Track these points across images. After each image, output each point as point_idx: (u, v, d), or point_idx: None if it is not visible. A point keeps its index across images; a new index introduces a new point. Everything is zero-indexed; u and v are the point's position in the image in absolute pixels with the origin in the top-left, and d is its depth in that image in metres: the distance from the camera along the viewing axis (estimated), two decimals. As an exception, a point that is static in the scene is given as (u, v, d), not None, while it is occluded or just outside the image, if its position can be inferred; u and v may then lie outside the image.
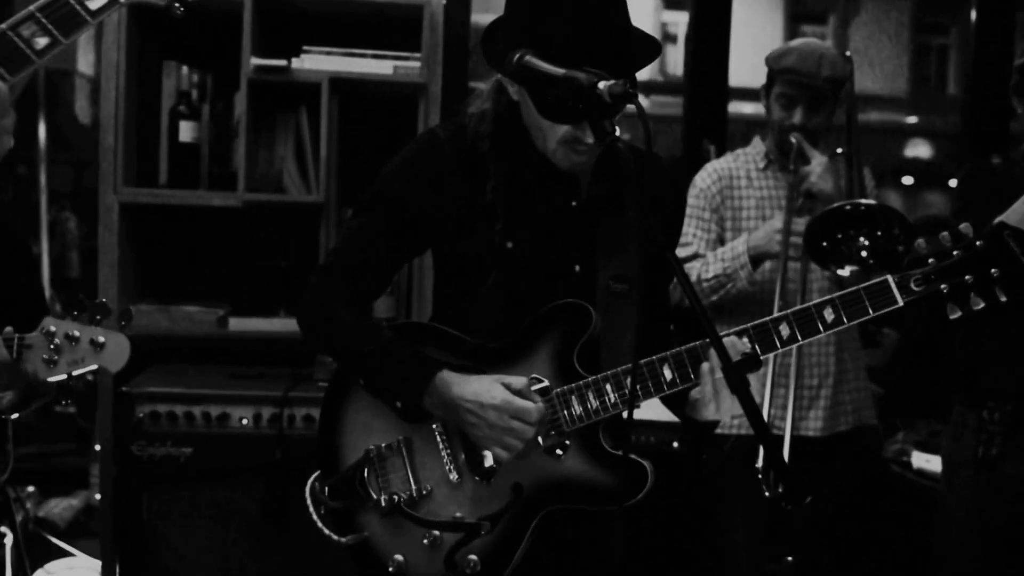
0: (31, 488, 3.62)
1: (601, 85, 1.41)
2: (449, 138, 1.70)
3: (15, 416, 2.36)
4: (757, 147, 2.74)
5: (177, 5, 1.15)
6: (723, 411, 1.59)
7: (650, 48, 1.62)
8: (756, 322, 1.61)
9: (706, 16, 3.88)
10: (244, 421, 2.67)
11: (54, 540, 3.35)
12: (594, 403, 1.63)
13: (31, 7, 1.06)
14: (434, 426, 1.69)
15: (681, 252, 2.63)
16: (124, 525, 2.74)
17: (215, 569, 2.69)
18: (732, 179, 2.69)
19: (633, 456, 1.62)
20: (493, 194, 1.67)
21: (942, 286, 1.56)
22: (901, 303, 1.57)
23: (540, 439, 1.65)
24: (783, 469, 1.45)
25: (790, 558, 2.30)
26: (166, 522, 2.67)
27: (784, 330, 1.60)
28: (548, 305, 1.67)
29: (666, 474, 2.89)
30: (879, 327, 4.04)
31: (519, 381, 1.62)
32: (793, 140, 2.59)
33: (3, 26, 1.06)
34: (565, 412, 1.64)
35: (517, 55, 1.51)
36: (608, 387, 1.62)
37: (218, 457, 2.65)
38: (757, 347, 1.59)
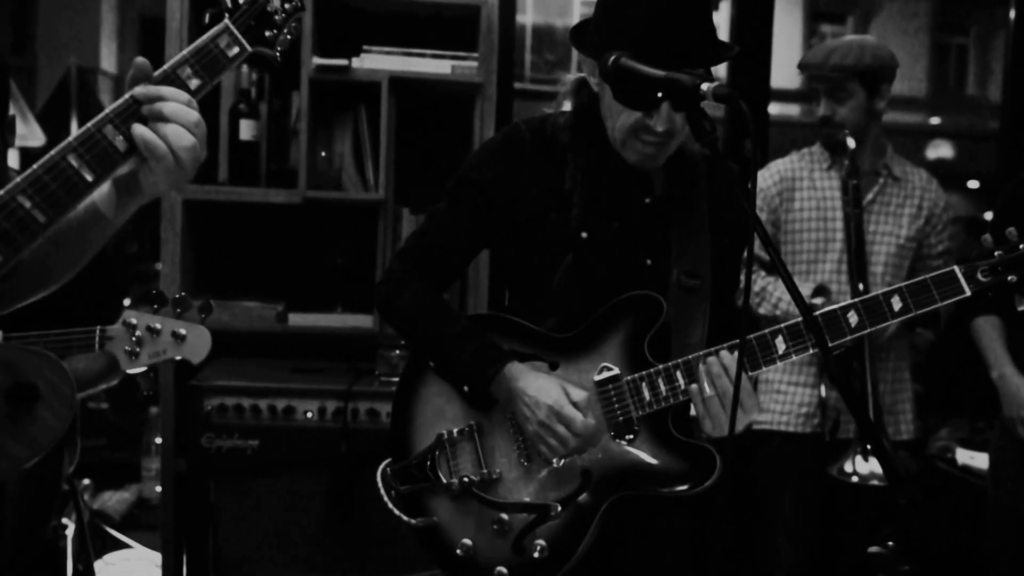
0: (87, 481, 3.67)
1: (704, 86, 1.42)
2: (531, 130, 1.77)
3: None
4: (820, 146, 2.73)
5: (277, 55, 1.32)
6: (717, 429, 1.61)
7: (728, 47, 1.66)
8: (826, 309, 1.63)
9: (749, 16, 3.90)
10: (309, 415, 2.71)
11: (112, 532, 3.40)
12: (664, 390, 1.66)
13: (184, 52, 1.22)
14: (506, 413, 1.73)
15: None
16: (189, 516, 2.78)
17: (280, 560, 2.73)
18: (794, 180, 2.69)
19: (702, 443, 1.65)
20: (571, 182, 1.73)
21: (1010, 277, 1.58)
22: (968, 292, 1.59)
23: (610, 426, 1.68)
24: (887, 459, 1.47)
25: (891, 543, 2.32)
26: (232, 513, 2.71)
27: (852, 318, 1.61)
28: (620, 296, 1.71)
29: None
30: (913, 327, 4.06)
31: (579, 394, 1.66)
32: (823, 134, 2.63)
33: (166, 68, 1.21)
34: (635, 398, 1.68)
35: (613, 57, 1.54)
36: (679, 374, 1.66)
37: (284, 450, 2.69)
38: (827, 335, 1.60)
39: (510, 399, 1.69)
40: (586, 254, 1.73)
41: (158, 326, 2.07)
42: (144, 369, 2.10)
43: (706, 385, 1.61)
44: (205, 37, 1.24)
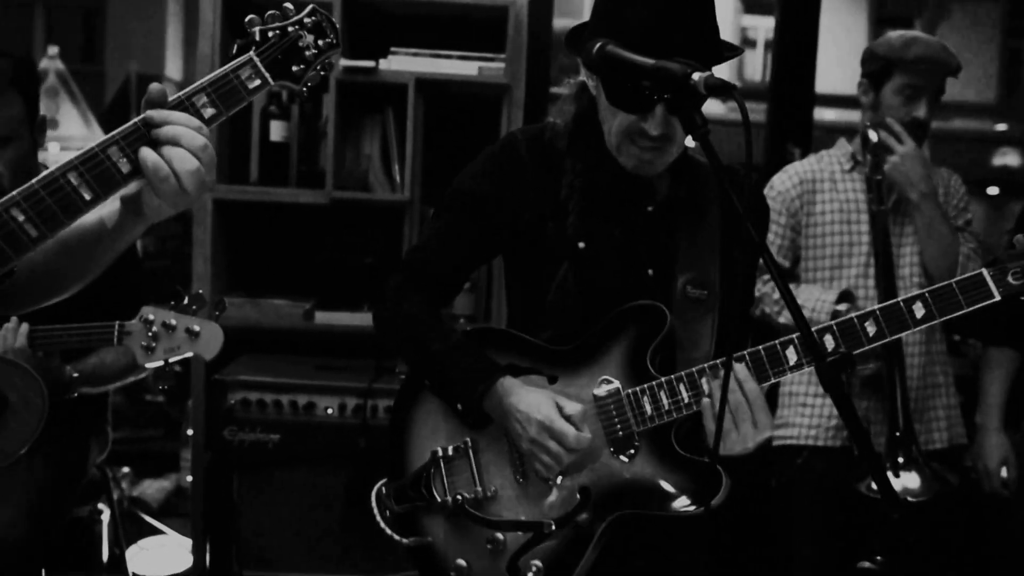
0: (126, 469, 3.79)
1: (695, 76, 1.34)
2: (527, 139, 1.72)
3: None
4: (842, 148, 2.64)
5: (304, 90, 1.32)
6: (728, 445, 1.52)
7: (731, 47, 1.61)
8: (841, 319, 1.55)
9: (792, 19, 3.84)
10: (329, 411, 2.76)
11: (147, 518, 3.50)
12: (666, 404, 1.58)
13: (202, 81, 1.23)
14: (502, 429, 1.66)
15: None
16: (214, 506, 2.85)
17: (298, 551, 2.79)
18: (814, 183, 2.59)
19: (707, 460, 1.56)
20: (567, 189, 1.67)
21: None
22: (998, 296, 1.49)
23: (609, 441, 1.61)
24: (881, 477, 1.41)
25: (880, 557, 2.25)
26: (254, 504, 2.77)
27: (871, 327, 1.53)
28: (622, 307, 1.64)
29: (741, 483, 2.91)
30: (964, 338, 3.92)
31: (573, 406, 1.59)
32: (867, 126, 2.51)
33: (181, 95, 1.22)
34: (635, 413, 1.60)
35: (599, 44, 1.49)
36: (682, 387, 1.58)
37: (304, 444, 2.74)
38: (842, 345, 1.52)
39: (503, 416, 1.62)
40: (584, 264, 1.67)
41: (173, 322, 2.12)
42: (160, 364, 2.16)
43: (717, 400, 1.51)
44: (227, 67, 1.24)
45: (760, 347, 1.56)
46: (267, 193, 3.08)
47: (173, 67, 12.57)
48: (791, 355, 1.54)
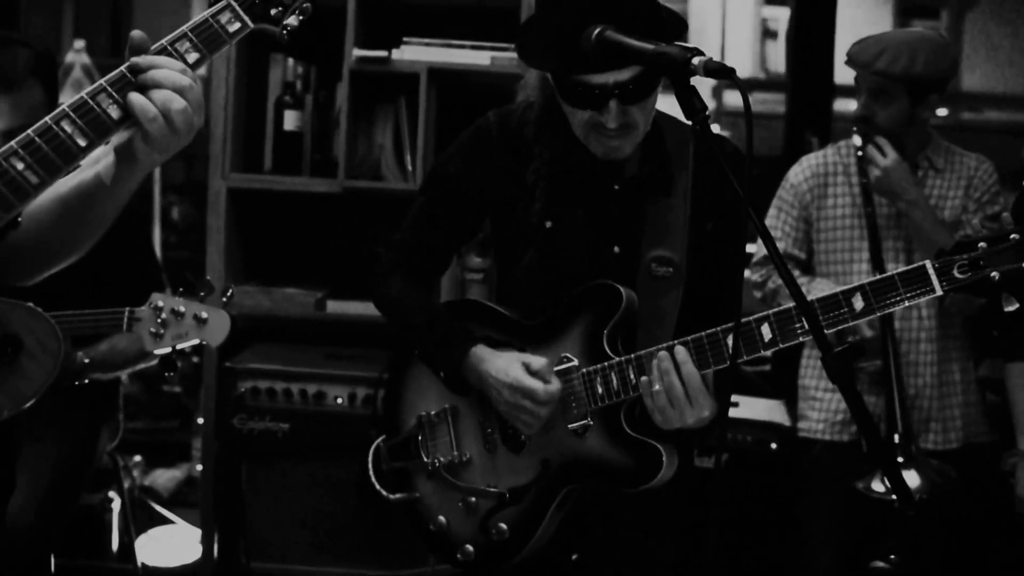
0: (138, 457, 3.81)
1: (695, 60, 1.36)
2: (497, 121, 1.79)
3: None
4: (859, 139, 2.59)
5: (284, 33, 1.35)
6: (666, 423, 1.60)
7: (676, 26, 1.61)
8: (777, 309, 1.55)
9: (810, 10, 3.80)
10: (339, 400, 2.76)
11: (157, 508, 3.52)
12: (616, 385, 1.65)
13: (184, 27, 1.27)
14: (478, 397, 1.77)
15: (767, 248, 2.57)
16: (223, 496, 2.86)
17: (307, 542, 2.79)
18: (827, 175, 2.58)
19: (649, 440, 1.64)
20: (534, 175, 1.73)
21: (993, 273, 1.38)
22: (940, 292, 1.43)
23: (566, 417, 1.70)
24: (893, 471, 1.38)
25: (893, 556, 2.23)
26: (262, 495, 2.78)
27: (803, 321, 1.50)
28: (582, 286, 1.72)
29: (758, 475, 2.89)
30: (983, 329, 3.85)
31: (538, 361, 1.68)
32: (854, 131, 2.52)
33: (163, 41, 1.26)
34: (589, 392, 1.68)
35: (597, 30, 1.50)
36: (631, 370, 1.65)
37: (313, 434, 2.74)
38: (779, 336, 1.53)
39: (480, 383, 1.73)
40: (551, 244, 1.74)
41: (182, 309, 2.13)
42: (168, 350, 2.16)
43: (656, 380, 1.60)
44: (206, 13, 1.28)
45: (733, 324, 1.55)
46: (280, 182, 3.07)
47: (196, 59, 12.60)
48: (766, 331, 1.55)
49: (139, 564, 3.02)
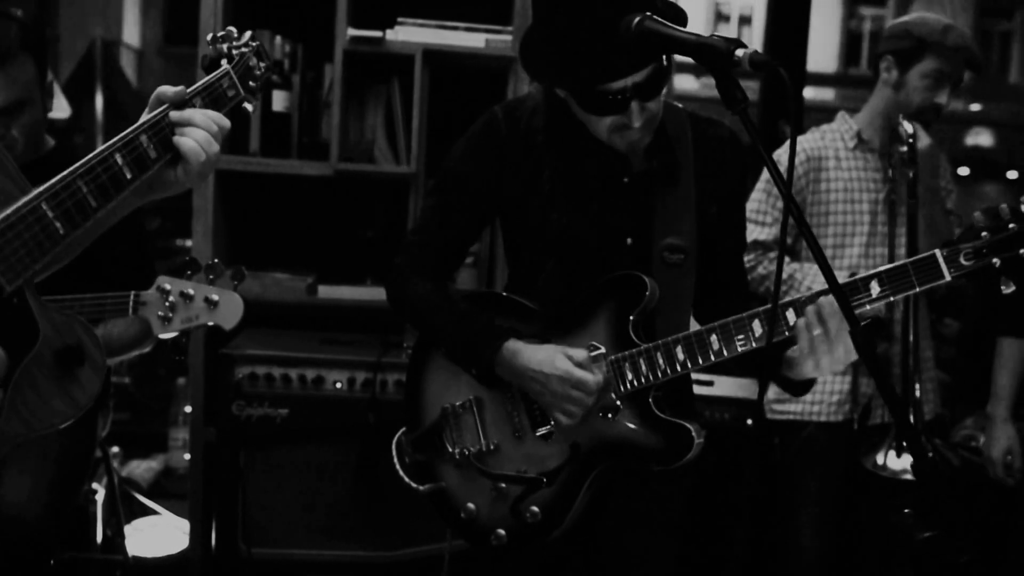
0: (116, 449, 3.72)
1: (739, 52, 1.38)
2: (505, 117, 1.80)
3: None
4: (845, 124, 2.64)
5: (250, 110, 1.61)
6: (823, 368, 1.60)
7: (677, 16, 1.61)
8: (808, 294, 1.60)
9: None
10: (338, 385, 2.73)
11: (142, 499, 3.44)
12: (645, 370, 1.70)
13: (197, 85, 1.46)
14: (504, 387, 1.79)
15: (756, 233, 2.60)
16: (218, 483, 2.81)
17: (306, 529, 2.76)
18: (820, 160, 2.59)
19: (679, 421, 1.70)
20: (549, 184, 1.77)
21: (994, 260, 1.48)
22: (949, 278, 1.51)
23: (597, 402, 1.73)
24: (917, 448, 1.43)
25: (907, 510, 2.31)
26: (261, 480, 2.73)
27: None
28: (605, 277, 1.75)
29: (736, 452, 2.94)
30: (940, 317, 3.98)
31: (580, 354, 1.72)
32: (906, 125, 2.49)
33: (186, 95, 1.43)
34: (618, 377, 1.73)
35: (637, 19, 1.50)
36: (659, 355, 1.70)
37: (313, 419, 2.71)
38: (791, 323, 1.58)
39: (516, 376, 1.74)
40: (565, 239, 1.77)
41: (191, 292, 2.08)
42: (175, 335, 2.11)
43: (814, 324, 1.57)
44: (212, 76, 1.48)
45: (762, 309, 1.63)
46: (268, 165, 3.01)
47: (130, 33, 12.25)
48: (791, 317, 1.61)
49: (128, 555, 2.95)
